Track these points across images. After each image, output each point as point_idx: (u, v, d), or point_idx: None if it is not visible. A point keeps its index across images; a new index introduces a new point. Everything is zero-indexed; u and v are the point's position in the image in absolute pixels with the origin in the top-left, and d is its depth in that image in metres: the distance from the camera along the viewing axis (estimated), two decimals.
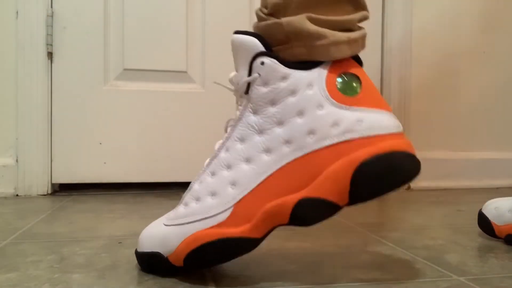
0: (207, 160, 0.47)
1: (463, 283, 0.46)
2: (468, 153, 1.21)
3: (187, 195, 0.46)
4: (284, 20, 0.43)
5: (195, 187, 0.46)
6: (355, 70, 0.44)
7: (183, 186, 1.07)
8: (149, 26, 1.04)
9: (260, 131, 0.44)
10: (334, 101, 0.42)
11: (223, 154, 0.45)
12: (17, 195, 0.98)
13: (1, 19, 0.98)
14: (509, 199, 0.62)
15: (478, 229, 0.65)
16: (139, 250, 0.47)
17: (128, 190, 1.04)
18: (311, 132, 0.42)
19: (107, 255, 0.54)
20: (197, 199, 0.45)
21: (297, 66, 0.43)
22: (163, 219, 0.47)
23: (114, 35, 1.03)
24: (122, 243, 0.59)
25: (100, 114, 1.02)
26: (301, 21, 0.43)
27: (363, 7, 0.46)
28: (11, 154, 0.99)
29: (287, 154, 0.43)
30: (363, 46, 0.45)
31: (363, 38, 0.45)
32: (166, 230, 0.45)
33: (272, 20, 0.44)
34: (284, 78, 0.43)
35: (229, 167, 0.44)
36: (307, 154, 0.42)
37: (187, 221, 0.44)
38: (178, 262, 0.45)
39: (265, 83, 0.43)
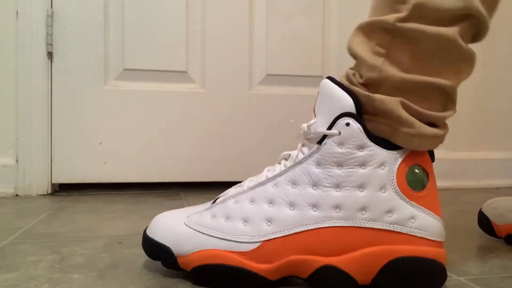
0: (250, 182, 0.46)
1: (463, 283, 0.46)
2: (468, 153, 1.21)
3: (218, 207, 0.46)
4: (377, 96, 0.42)
5: (229, 204, 0.46)
6: (428, 167, 0.44)
7: (183, 186, 1.07)
8: (149, 26, 1.04)
9: (315, 185, 0.43)
10: (398, 189, 0.42)
11: (270, 188, 0.45)
12: (17, 195, 0.98)
13: (1, 19, 0.98)
14: (509, 198, 0.62)
15: (478, 229, 0.65)
16: (150, 235, 0.47)
17: (128, 190, 1.04)
18: (365, 209, 0.42)
19: (107, 255, 0.54)
20: (228, 217, 0.45)
21: (377, 141, 0.42)
22: (183, 217, 0.46)
23: (114, 35, 1.03)
24: (122, 243, 0.59)
25: (100, 114, 1.02)
26: (394, 103, 0.42)
27: (453, 107, 0.45)
28: (11, 154, 0.99)
29: (333, 219, 0.42)
30: (441, 142, 0.45)
31: (444, 136, 0.45)
32: (185, 231, 0.45)
33: (365, 92, 0.43)
34: (361, 147, 0.42)
35: (271, 202, 0.44)
36: (352, 227, 0.42)
37: (210, 233, 0.44)
38: (185, 266, 0.44)
39: (341, 144, 0.42)
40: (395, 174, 0.42)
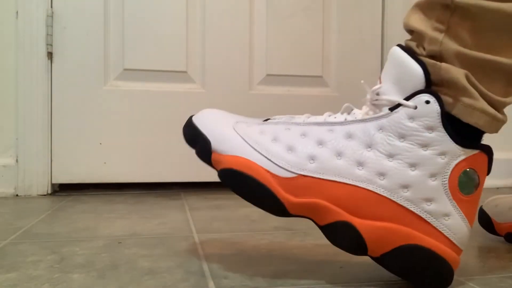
0: (308, 118, 0.46)
1: (463, 283, 0.46)
2: None
3: (269, 126, 0.46)
4: (444, 65, 0.42)
5: (280, 127, 0.46)
6: (482, 176, 0.43)
7: (183, 186, 1.07)
8: (149, 26, 1.04)
9: (370, 146, 0.43)
10: (447, 184, 0.42)
11: (325, 130, 0.44)
12: (17, 195, 0.98)
13: (1, 19, 0.98)
14: (510, 196, 0.62)
15: (478, 229, 0.65)
16: (196, 122, 0.47)
17: (128, 190, 1.04)
18: (408, 187, 0.42)
19: (107, 255, 0.54)
20: (275, 139, 0.45)
21: (448, 129, 0.41)
22: (233, 120, 0.47)
23: (114, 35, 1.03)
24: (122, 243, 0.59)
25: (100, 114, 1.02)
26: (459, 73, 0.41)
27: None
28: (11, 154, 0.99)
29: (374, 184, 0.42)
30: (497, 131, 0.44)
31: (502, 123, 0.44)
32: (230, 133, 0.45)
33: (432, 60, 0.42)
34: (431, 129, 0.41)
35: (320, 144, 0.44)
36: (389, 199, 0.42)
37: (254, 146, 0.44)
38: (216, 164, 0.45)
39: (412, 118, 0.42)
40: (451, 169, 0.42)
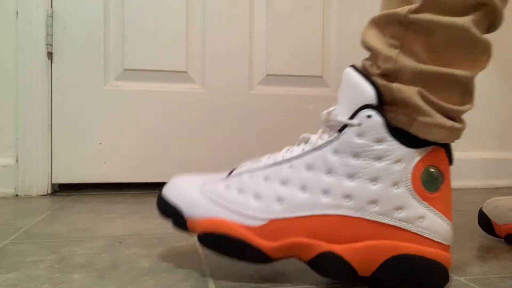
0: (268, 159, 0.47)
1: (463, 283, 0.46)
2: (468, 153, 1.21)
3: (233, 179, 0.47)
4: (395, 85, 0.42)
5: (244, 178, 0.46)
6: (444, 169, 0.43)
7: None
8: (149, 26, 1.04)
9: (329, 172, 0.43)
10: (411, 188, 0.42)
11: (285, 168, 0.45)
12: (17, 195, 0.98)
13: (1, 19, 0.98)
14: (510, 198, 0.62)
15: (478, 229, 0.65)
16: (165, 193, 0.48)
17: (128, 190, 1.04)
18: (375, 202, 0.42)
19: (107, 255, 0.54)
20: (240, 190, 0.45)
21: (397, 136, 0.42)
22: (200, 182, 0.47)
23: (114, 35, 1.03)
24: (122, 243, 0.59)
25: (100, 114, 1.02)
26: (412, 92, 0.42)
27: (471, 100, 0.44)
28: (11, 154, 0.99)
29: (343, 207, 0.42)
30: (458, 138, 0.44)
31: (461, 131, 0.44)
32: (198, 197, 0.46)
33: (383, 82, 0.43)
34: (380, 141, 0.42)
35: (284, 183, 0.44)
36: (361, 219, 0.42)
37: (222, 203, 0.45)
38: (193, 230, 0.45)
39: (360, 135, 0.42)
40: (410, 172, 0.42)
